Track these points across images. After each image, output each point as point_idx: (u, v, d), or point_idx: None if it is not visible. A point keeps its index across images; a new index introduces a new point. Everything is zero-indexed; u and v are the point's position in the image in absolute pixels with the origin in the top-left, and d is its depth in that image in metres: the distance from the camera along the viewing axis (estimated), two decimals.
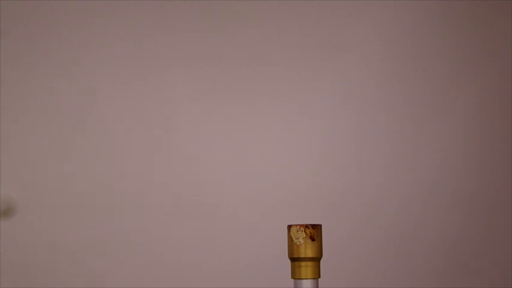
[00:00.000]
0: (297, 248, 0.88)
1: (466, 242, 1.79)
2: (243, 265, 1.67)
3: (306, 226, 0.88)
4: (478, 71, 1.82)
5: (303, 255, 0.88)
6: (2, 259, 1.57)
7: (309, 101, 1.74)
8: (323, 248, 0.89)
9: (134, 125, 1.65)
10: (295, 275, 0.88)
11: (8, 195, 1.59)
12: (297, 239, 0.88)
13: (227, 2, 1.70)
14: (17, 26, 1.61)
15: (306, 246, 0.87)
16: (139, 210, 1.64)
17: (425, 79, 1.79)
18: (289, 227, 0.89)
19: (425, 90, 1.79)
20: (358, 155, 1.76)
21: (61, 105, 1.62)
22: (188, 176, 1.67)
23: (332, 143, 1.75)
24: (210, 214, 1.67)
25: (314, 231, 0.88)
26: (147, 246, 1.64)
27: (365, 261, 1.74)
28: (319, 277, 0.89)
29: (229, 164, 1.70)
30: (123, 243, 1.63)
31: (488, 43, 1.83)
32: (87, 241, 1.61)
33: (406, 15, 1.78)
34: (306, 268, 0.88)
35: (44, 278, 1.59)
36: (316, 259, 0.88)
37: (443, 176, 1.80)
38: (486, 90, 1.82)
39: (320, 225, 0.89)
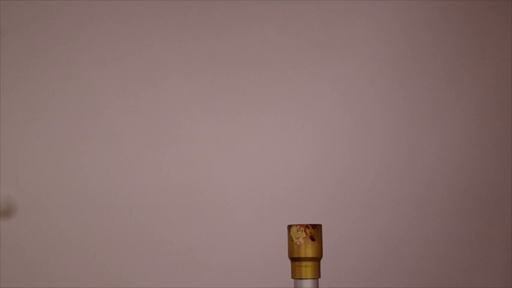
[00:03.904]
0: (297, 248, 0.88)
1: (466, 242, 1.79)
2: (243, 265, 1.67)
3: (306, 226, 0.88)
4: (478, 71, 1.82)
5: (303, 255, 0.88)
6: (2, 259, 1.57)
7: (309, 101, 1.74)
8: (323, 248, 0.89)
9: (134, 126, 1.65)
10: (295, 275, 0.88)
11: (8, 195, 1.59)
12: (297, 239, 0.88)
13: (227, 2, 1.70)
14: (17, 26, 1.61)
15: (306, 246, 0.87)
16: (139, 210, 1.64)
17: (425, 79, 1.79)
18: (289, 227, 0.89)
19: (425, 90, 1.79)
20: (358, 155, 1.76)
21: (61, 105, 1.62)
22: (188, 176, 1.67)
23: (332, 143, 1.75)
24: (209, 214, 1.67)
25: (314, 231, 0.88)
26: (148, 246, 1.64)
27: (365, 261, 1.74)
28: (319, 277, 0.89)
29: (229, 164, 1.70)
30: (123, 243, 1.63)
31: (488, 43, 1.83)
32: (88, 241, 1.61)
33: (406, 15, 1.78)
34: (306, 268, 0.88)
35: (44, 278, 1.59)
36: (316, 259, 0.88)
37: (443, 176, 1.80)
38: (486, 90, 1.82)
39: (320, 225, 0.89)
